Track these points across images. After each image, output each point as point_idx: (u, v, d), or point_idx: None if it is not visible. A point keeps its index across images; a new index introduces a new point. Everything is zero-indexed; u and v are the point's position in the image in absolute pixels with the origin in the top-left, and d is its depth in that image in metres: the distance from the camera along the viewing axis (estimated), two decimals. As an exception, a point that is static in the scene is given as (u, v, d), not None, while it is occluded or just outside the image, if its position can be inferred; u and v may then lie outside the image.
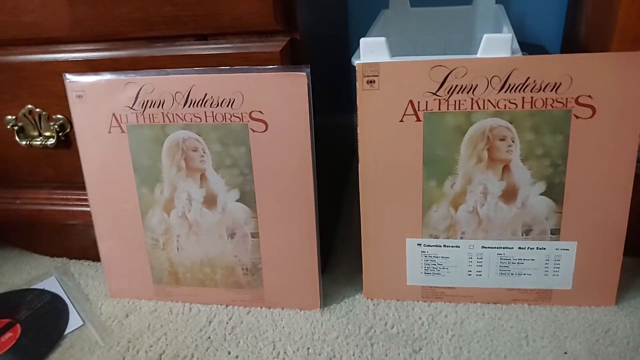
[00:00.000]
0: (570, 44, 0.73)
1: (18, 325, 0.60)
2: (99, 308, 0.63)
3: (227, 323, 0.59)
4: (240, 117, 0.54)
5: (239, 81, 0.52)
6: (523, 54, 0.52)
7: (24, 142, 0.60)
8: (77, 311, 0.62)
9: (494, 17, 0.68)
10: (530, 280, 0.57)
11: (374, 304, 0.60)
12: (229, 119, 0.54)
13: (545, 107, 0.51)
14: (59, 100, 0.58)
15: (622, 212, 0.53)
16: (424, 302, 0.60)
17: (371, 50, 0.54)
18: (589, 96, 0.50)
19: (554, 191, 0.53)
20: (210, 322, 0.60)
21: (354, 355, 0.54)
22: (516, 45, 0.53)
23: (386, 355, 0.54)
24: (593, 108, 0.50)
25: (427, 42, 0.75)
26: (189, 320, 0.60)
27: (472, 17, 0.73)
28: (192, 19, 0.51)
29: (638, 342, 0.52)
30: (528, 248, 0.56)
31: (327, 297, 0.62)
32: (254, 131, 0.54)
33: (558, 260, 0.56)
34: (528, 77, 0.50)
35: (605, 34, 0.55)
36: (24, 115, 0.60)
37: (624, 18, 0.51)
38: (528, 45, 0.78)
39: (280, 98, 0.52)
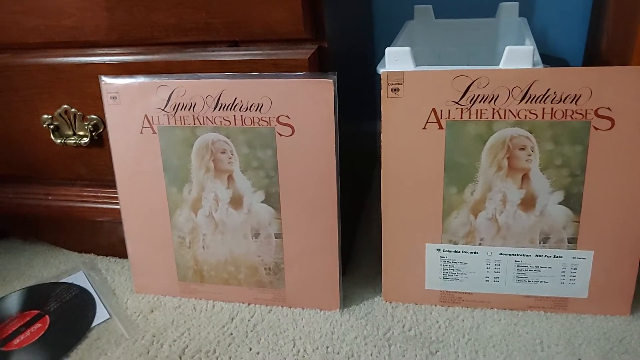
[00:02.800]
0: (592, 57, 0.74)
1: (47, 317, 0.63)
2: (125, 303, 0.65)
3: (249, 321, 0.61)
4: (268, 121, 0.56)
5: (267, 86, 0.54)
6: (544, 66, 0.54)
7: (58, 141, 0.63)
8: (103, 305, 0.64)
9: (516, 29, 0.70)
10: (546, 288, 0.58)
11: (392, 307, 0.62)
12: (257, 123, 0.56)
13: (565, 118, 0.52)
14: (94, 101, 0.60)
15: (638, 222, 0.54)
16: (442, 306, 0.61)
17: (396, 59, 0.56)
18: (608, 108, 0.51)
19: (572, 201, 0.54)
20: (232, 319, 0.61)
21: (371, 355, 0.55)
22: (537, 57, 0.55)
23: (403, 357, 0.55)
24: (612, 120, 0.51)
25: (451, 53, 0.76)
26: (212, 317, 0.62)
27: (495, 29, 0.74)
28: (224, 26, 0.53)
29: (653, 351, 0.53)
30: (545, 256, 0.57)
31: (347, 298, 0.63)
32: (280, 135, 0.56)
33: (575, 269, 0.57)
34: (548, 89, 0.52)
35: (626, 48, 0.56)
36: (60, 114, 0.63)
37: (644, 33, 0.53)
38: (550, 58, 0.79)
39: (307, 103, 0.54)
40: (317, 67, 0.54)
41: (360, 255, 0.72)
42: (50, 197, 0.68)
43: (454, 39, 0.74)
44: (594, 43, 0.73)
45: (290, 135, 0.56)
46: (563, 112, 0.52)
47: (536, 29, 0.82)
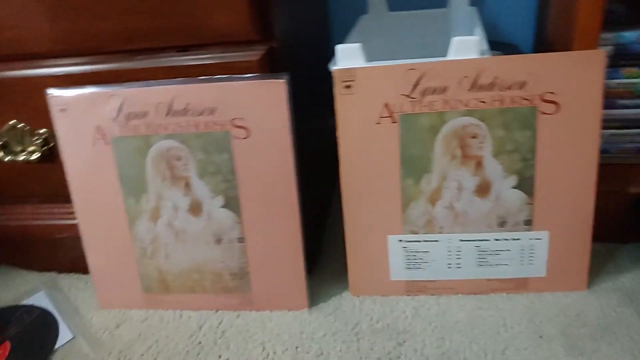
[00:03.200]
0: (541, 42, 0.76)
1: (7, 342, 0.61)
2: (90, 320, 0.64)
3: (217, 327, 0.61)
4: (222, 125, 0.55)
5: (219, 90, 0.54)
6: (496, 54, 0.55)
7: (7, 158, 0.61)
8: (67, 325, 0.63)
9: (468, 19, 0.71)
10: (507, 270, 0.60)
11: (360, 301, 0.62)
12: (211, 127, 0.56)
13: (513, 104, 0.54)
14: (43, 115, 0.59)
15: (588, 201, 0.56)
16: (408, 296, 0.62)
17: (347, 56, 0.56)
18: (553, 93, 0.53)
19: (525, 184, 0.56)
20: (200, 328, 0.61)
21: (340, 351, 0.56)
22: (485, 47, 0.56)
23: (372, 350, 0.56)
24: (557, 104, 0.53)
25: (406, 45, 0.77)
26: (180, 327, 0.61)
27: (447, 19, 0.76)
28: (171, 32, 0.53)
29: (607, 323, 0.55)
30: (503, 239, 0.58)
31: (315, 296, 0.64)
32: (236, 138, 0.56)
33: (532, 249, 0.59)
34: (496, 77, 0.53)
35: (568, 34, 0.58)
36: (7, 131, 0.61)
37: (582, 17, 0.55)
38: (502, 45, 0.81)
39: (260, 105, 0.54)
40: (268, 68, 0.54)
41: (328, 252, 0.72)
42: (4, 217, 0.66)
43: (409, 31, 0.75)
44: (541, 29, 0.75)
45: (246, 138, 0.55)
46: (511, 99, 0.54)
47: (488, 16, 0.84)
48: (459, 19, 0.73)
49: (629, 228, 0.63)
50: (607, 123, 0.64)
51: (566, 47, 0.59)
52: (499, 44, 0.79)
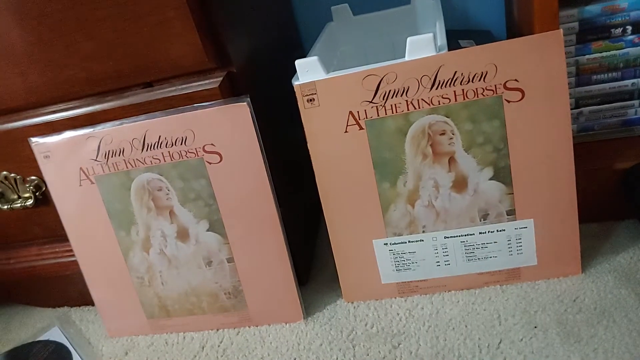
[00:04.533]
0: (511, 27, 0.74)
1: (28, 377, 0.64)
2: (100, 350, 0.67)
3: (218, 346, 0.62)
4: (195, 152, 0.57)
5: (187, 120, 0.56)
6: (469, 42, 0.54)
7: (5, 207, 0.65)
8: (80, 356, 0.66)
9: (432, 13, 0.71)
10: (497, 262, 0.59)
11: (354, 307, 0.63)
12: (185, 156, 0.57)
13: (477, 96, 0.53)
14: (30, 163, 0.62)
15: (568, 183, 0.54)
16: (401, 297, 0.62)
17: (307, 70, 0.57)
18: (516, 80, 0.52)
19: (502, 174, 0.55)
20: (203, 348, 0.63)
21: (337, 359, 0.56)
22: (442, 42, 0.55)
23: (367, 355, 0.56)
24: (521, 91, 0.52)
25: (376, 47, 0.77)
26: (184, 349, 0.63)
27: (413, 15, 0.75)
28: (133, 71, 0.54)
29: (604, 307, 0.54)
30: (488, 232, 0.58)
31: (311, 306, 0.65)
32: (210, 163, 0.57)
33: (519, 238, 0.58)
34: (455, 71, 0.52)
35: (529, 15, 0.57)
36: (1, 181, 0.64)
37: (538, -2, 0.53)
38: (475, 32, 0.80)
39: (227, 129, 0.55)
40: (229, 92, 0.55)
41: (320, 262, 0.73)
42: (12, 261, 0.70)
43: (376, 33, 0.75)
44: (510, 14, 0.74)
45: (219, 162, 0.57)
46: (474, 92, 0.53)
47: (459, 5, 0.82)
48: (425, 14, 0.73)
49: (621, 205, 0.61)
50: (585, 100, 0.62)
51: (529, 29, 0.57)
52: (471, 32, 0.78)
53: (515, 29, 0.69)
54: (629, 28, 0.59)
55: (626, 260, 0.59)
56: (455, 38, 0.74)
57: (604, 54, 0.59)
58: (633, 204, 0.60)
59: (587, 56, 0.60)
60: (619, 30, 0.59)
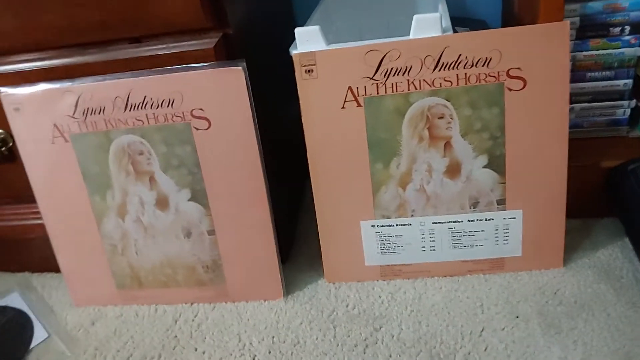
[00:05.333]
0: (508, 17, 0.74)
1: (-17, 344, 0.60)
2: (64, 318, 0.63)
3: (192, 320, 0.60)
4: (182, 116, 0.54)
5: (176, 81, 0.52)
6: (463, 30, 0.53)
7: (-33, 161, 0.60)
8: (42, 324, 0.62)
9: (432, -5, 0.69)
10: (482, 251, 0.59)
11: (335, 288, 0.62)
12: (171, 119, 0.54)
13: (479, 82, 0.52)
14: (-2, 115, 0.57)
15: (560, 177, 0.55)
16: (384, 280, 0.61)
17: (307, 39, 0.54)
18: (519, 68, 0.51)
19: (496, 163, 0.55)
20: (176, 322, 0.60)
21: (317, 339, 0.55)
22: (447, 24, 0.54)
23: (348, 337, 0.55)
24: (524, 80, 0.52)
25: (371, 26, 0.75)
26: (155, 322, 0.61)
27: (412, -4, 0.73)
28: (121, 23, 0.51)
29: (584, 300, 0.55)
30: (477, 220, 0.57)
31: (291, 284, 0.63)
32: (197, 129, 0.54)
33: (506, 229, 0.58)
34: (460, 55, 0.51)
35: (533, 7, 0.56)
36: (-36, 133, 0.59)
37: (547, -11, 0.53)
38: (470, 21, 0.79)
39: (219, 94, 0.52)
40: (224, 55, 0.52)
41: (302, 239, 0.71)
42: (-30, 220, 0.65)
43: (373, 11, 0.73)
44: (507, 4, 0.73)
45: (207, 128, 0.54)
46: (476, 77, 0.52)
47: (455, -8, 0.81)
48: (424, -4, 0.71)
49: (603, 203, 0.62)
50: (577, 97, 0.62)
51: (532, 21, 0.57)
52: (466, 21, 0.77)
53: (513, 21, 0.69)
54: (628, 28, 0.59)
55: (606, 257, 0.60)
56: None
57: (601, 51, 0.60)
58: (616, 202, 0.61)
59: (584, 52, 0.60)
60: (618, 29, 0.59)
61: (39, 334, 0.61)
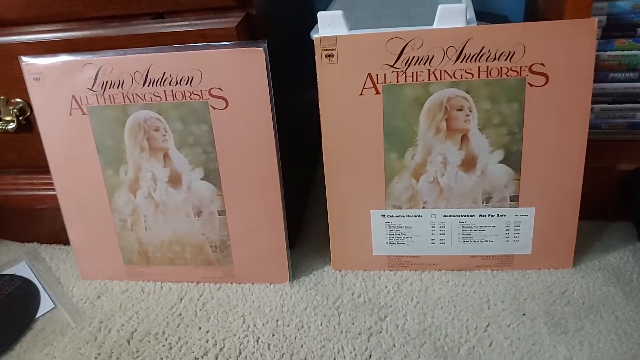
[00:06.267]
0: (531, 13, 0.73)
1: (-11, 311, 0.61)
2: (71, 290, 0.63)
3: (197, 300, 0.60)
4: (200, 95, 0.54)
5: (196, 58, 0.52)
6: (481, 24, 0.53)
7: (-16, 128, 0.60)
8: (48, 294, 0.63)
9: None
10: (492, 247, 0.59)
11: (341, 275, 0.61)
12: (189, 97, 0.54)
13: (501, 76, 0.52)
14: (17, 84, 0.57)
15: (576, 177, 0.54)
16: (390, 271, 0.61)
17: (329, 24, 0.54)
18: (542, 64, 0.51)
19: (512, 159, 0.54)
20: (181, 300, 0.60)
21: (321, 325, 0.55)
22: (471, 15, 0.54)
23: (353, 324, 0.55)
24: (546, 76, 0.51)
25: (391, 15, 0.75)
26: (161, 299, 0.61)
27: (434, -12, 0.73)
28: (145, -3, 0.51)
29: (592, 302, 0.54)
30: (489, 215, 0.57)
31: (297, 270, 0.63)
32: (214, 108, 0.54)
33: (518, 226, 0.57)
34: (483, 47, 0.51)
35: (559, 3, 0.56)
36: (-18, 100, 0.59)
37: (575, -15, 0.52)
38: (491, 15, 0.78)
39: (238, 74, 0.52)
40: (246, 35, 0.52)
41: (310, 226, 0.71)
42: (-17, 188, 0.65)
43: (394, 1, 0.73)
44: (531, 0, 0.73)
45: (225, 108, 0.54)
46: (498, 70, 0.52)
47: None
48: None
49: (618, 206, 0.62)
50: (597, 97, 0.62)
51: (557, 18, 0.56)
52: (488, 15, 0.77)
53: (536, 17, 0.68)
54: (655, 30, 0.58)
55: (616, 260, 0.59)
56: (473, 18, 0.72)
57: (626, 52, 0.59)
58: (631, 206, 0.60)
59: (608, 52, 0.59)
60: (644, 31, 0.58)
61: (45, 304, 0.62)
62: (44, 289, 0.64)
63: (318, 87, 0.54)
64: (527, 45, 0.50)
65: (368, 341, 0.53)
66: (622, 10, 0.57)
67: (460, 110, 0.53)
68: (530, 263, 0.59)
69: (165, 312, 0.59)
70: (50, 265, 0.68)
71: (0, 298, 0.62)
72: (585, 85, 0.51)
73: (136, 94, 0.55)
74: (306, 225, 0.72)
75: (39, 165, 0.63)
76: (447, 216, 0.58)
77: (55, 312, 0.60)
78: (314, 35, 0.53)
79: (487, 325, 0.53)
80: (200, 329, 0.56)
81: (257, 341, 0.54)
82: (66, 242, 0.69)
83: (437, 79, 0.52)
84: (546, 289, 0.57)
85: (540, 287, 0.57)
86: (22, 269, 0.67)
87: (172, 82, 0.53)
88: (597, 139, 0.64)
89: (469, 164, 0.55)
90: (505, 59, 0.51)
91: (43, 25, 0.55)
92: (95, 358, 0.54)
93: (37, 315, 0.60)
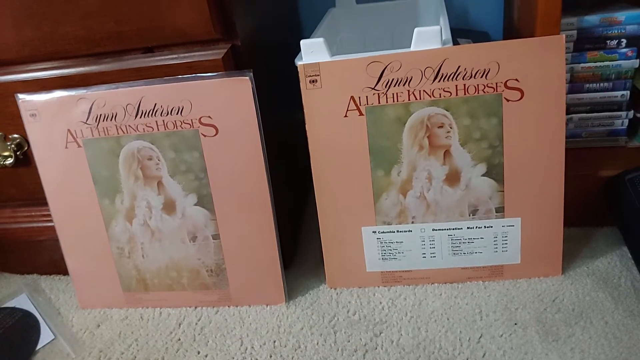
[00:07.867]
0: (509, 29, 0.76)
1: (-9, 345, 0.62)
2: (70, 321, 0.64)
3: (196, 324, 0.61)
4: (191, 124, 0.56)
5: (185, 89, 0.54)
6: (466, 41, 0.55)
7: (-17, 164, 0.62)
8: (48, 326, 0.64)
9: (435, 8, 0.71)
10: (481, 258, 0.60)
11: (337, 293, 0.63)
12: (180, 126, 0.56)
13: (478, 92, 0.54)
14: (14, 120, 0.59)
15: (558, 186, 0.56)
16: (385, 286, 0.62)
17: (312, 51, 0.56)
18: (516, 79, 0.53)
19: (495, 172, 0.56)
20: (180, 325, 0.61)
21: (317, 344, 0.56)
22: (447, 36, 0.56)
23: (348, 342, 0.56)
24: (521, 91, 0.53)
25: (376, 37, 0.77)
26: (159, 325, 0.62)
27: (415, 9, 0.76)
28: (135, 34, 0.53)
29: (582, 308, 0.55)
30: (476, 227, 0.59)
31: (293, 290, 0.64)
32: (205, 136, 0.56)
33: (505, 236, 0.59)
34: (459, 66, 0.53)
35: (531, 20, 0.58)
36: (-19, 137, 0.61)
37: (543, 3, 0.54)
38: (472, 32, 0.81)
39: (226, 103, 0.54)
40: (232, 65, 0.54)
41: (304, 246, 0.72)
42: (-17, 223, 0.67)
43: (378, 23, 0.76)
44: (509, 16, 0.75)
45: (215, 135, 0.56)
46: (475, 87, 0.54)
47: (459, 4, 0.84)
48: (427, 8, 0.73)
49: (602, 211, 0.63)
50: (575, 107, 0.64)
51: (530, 33, 0.59)
52: (469, 32, 0.79)
53: (513, 33, 0.71)
54: (624, 41, 0.61)
55: (604, 265, 0.60)
56: (453, 36, 0.75)
57: (598, 64, 0.61)
58: (614, 212, 0.62)
59: (582, 64, 0.62)
60: (614, 42, 0.61)
61: (46, 335, 0.62)
62: (44, 320, 0.64)
63: (304, 110, 0.56)
64: (500, 62, 0.52)
65: (364, 358, 0.54)
66: (590, 25, 0.60)
67: (441, 127, 0.55)
68: (520, 272, 0.60)
69: (164, 338, 0.60)
70: (50, 296, 0.69)
71: (0, 332, 0.63)
72: (559, 97, 0.53)
73: (129, 125, 0.57)
74: (301, 245, 0.73)
75: (37, 197, 0.64)
76: (436, 230, 0.59)
77: (55, 343, 0.61)
78: (298, 63, 0.55)
79: (480, 337, 0.54)
80: (199, 353, 0.57)
81: (255, 362, 0.55)
82: (65, 272, 0.70)
83: (417, 99, 0.54)
84: (537, 297, 0.58)
85: (531, 295, 0.58)
86: (22, 301, 0.68)
87: (163, 112, 0.56)
88: (578, 147, 0.66)
89: (453, 178, 0.57)
90: (481, 77, 0.53)
91: (38, 64, 0.57)
92: (96, 386, 0.55)
93: (38, 347, 0.61)
